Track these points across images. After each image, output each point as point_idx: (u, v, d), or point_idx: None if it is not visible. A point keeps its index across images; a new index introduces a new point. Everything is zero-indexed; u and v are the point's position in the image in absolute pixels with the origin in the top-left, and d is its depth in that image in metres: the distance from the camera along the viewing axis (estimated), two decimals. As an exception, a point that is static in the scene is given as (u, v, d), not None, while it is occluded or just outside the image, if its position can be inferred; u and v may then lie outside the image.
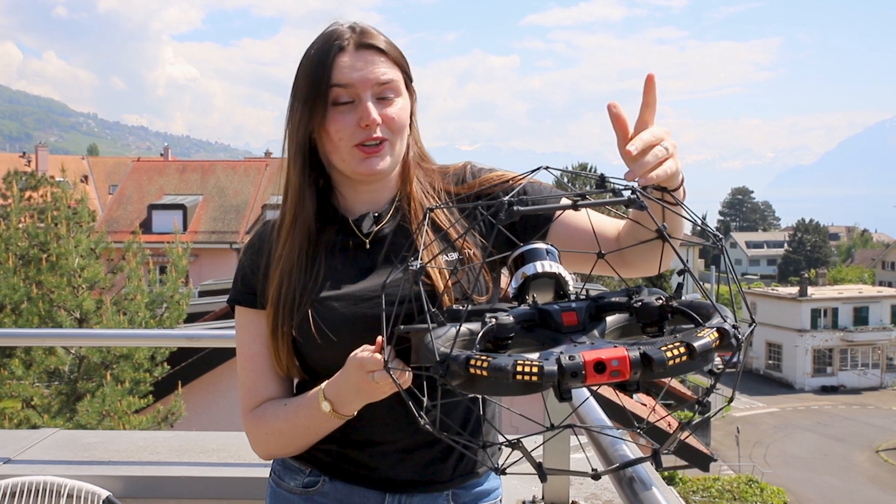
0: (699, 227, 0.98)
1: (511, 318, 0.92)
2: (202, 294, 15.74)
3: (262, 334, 1.31)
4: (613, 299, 0.95)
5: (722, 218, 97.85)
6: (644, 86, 1.12)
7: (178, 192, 29.47)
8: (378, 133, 1.26)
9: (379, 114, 1.26)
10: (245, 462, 2.65)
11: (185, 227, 26.52)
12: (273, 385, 1.32)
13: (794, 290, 45.00)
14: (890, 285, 55.83)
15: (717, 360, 0.92)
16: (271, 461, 1.42)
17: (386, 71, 1.27)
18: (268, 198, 27.72)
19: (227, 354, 8.77)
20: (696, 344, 0.82)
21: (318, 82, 1.25)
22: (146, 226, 26.28)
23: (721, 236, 0.92)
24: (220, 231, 28.12)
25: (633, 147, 1.04)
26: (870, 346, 42.94)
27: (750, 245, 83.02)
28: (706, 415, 0.88)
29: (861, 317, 43.94)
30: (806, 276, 48.17)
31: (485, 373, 0.82)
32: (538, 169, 0.99)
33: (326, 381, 1.21)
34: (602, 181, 0.95)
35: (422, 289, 0.93)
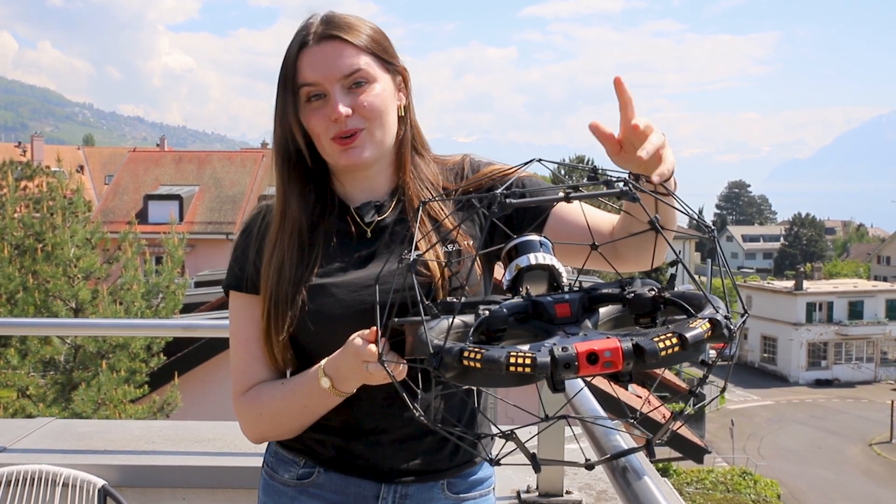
0: (694, 220, 0.98)
1: (504, 310, 0.92)
2: (198, 284, 15.73)
3: (256, 318, 1.31)
4: (606, 291, 0.96)
5: (718, 211, 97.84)
6: (615, 89, 1.13)
7: (175, 183, 29.37)
8: (350, 125, 1.25)
9: (351, 104, 1.24)
10: (241, 451, 2.66)
11: (181, 218, 26.44)
12: (266, 369, 1.32)
13: (790, 283, 45.08)
14: (885, 280, 55.97)
15: (713, 352, 0.92)
16: (265, 453, 1.42)
17: (352, 61, 1.25)
18: (264, 188, 27.64)
19: (223, 345, 8.77)
20: (688, 335, 0.82)
21: (287, 84, 1.26)
22: (142, 216, 26.17)
23: (714, 228, 0.93)
24: (216, 221, 28.05)
25: (645, 152, 1.06)
26: (864, 340, 43.09)
27: (746, 239, 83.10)
28: (698, 405, 0.89)
29: (856, 311, 44.06)
30: (801, 270, 48.26)
31: (478, 365, 0.83)
32: (531, 161, 1.00)
33: (326, 359, 1.21)
34: (594, 173, 0.95)
35: (415, 281, 0.93)
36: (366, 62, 1.26)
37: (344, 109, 1.23)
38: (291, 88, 1.26)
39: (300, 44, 1.26)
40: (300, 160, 1.32)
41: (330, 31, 1.26)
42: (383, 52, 1.30)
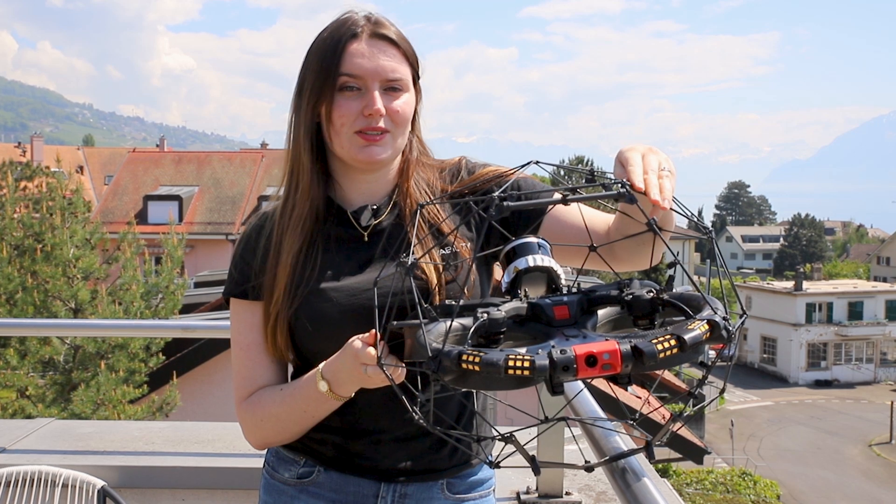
0: (693, 221, 0.98)
1: (503, 313, 0.92)
2: (198, 285, 15.73)
3: (258, 324, 1.32)
4: (605, 293, 0.96)
5: (718, 212, 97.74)
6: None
7: (174, 183, 29.37)
8: (381, 124, 1.27)
9: (384, 105, 1.27)
10: (240, 452, 2.66)
11: (180, 218, 26.45)
12: (268, 374, 1.33)
13: (790, 284, 45.07)
14: (885, 280, 55.98)
15: (712, 353, 0.92)
16: (266, 452, 1.42)
17: (396, 66, 1.28)
18: (264, 189, 27.66)
19: (222, 345, 8.77)
20: (686, 336, 0.82)
21: (329, 68, 1.26)
22: (142, 216, 26.17)
23: (711, 228, 0.93)
24: (215, 222, 28.05)
25: (656, 196, 0.99)
26: (864, 341, 43.09)
27: (746, 239, 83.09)
28: (698, 406, 0.89)
29: (856, 311, 44.05)
30: (801, 270, 48.26)
31: (477, 368, 0.83)
32: (528, 163, 1.00)
33: (324, 362, 1.21)
34: (592, 175, 0.95)
35: (413, 284, 0.93)
36: (405, 72, 1.30)
37: (381, 106, 1.26)
38: (333, 73, 1.26)
39: (351, 34, 1.27)
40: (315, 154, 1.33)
41: (383, 31, 1.29)
42: (417, 69, 1.34)
